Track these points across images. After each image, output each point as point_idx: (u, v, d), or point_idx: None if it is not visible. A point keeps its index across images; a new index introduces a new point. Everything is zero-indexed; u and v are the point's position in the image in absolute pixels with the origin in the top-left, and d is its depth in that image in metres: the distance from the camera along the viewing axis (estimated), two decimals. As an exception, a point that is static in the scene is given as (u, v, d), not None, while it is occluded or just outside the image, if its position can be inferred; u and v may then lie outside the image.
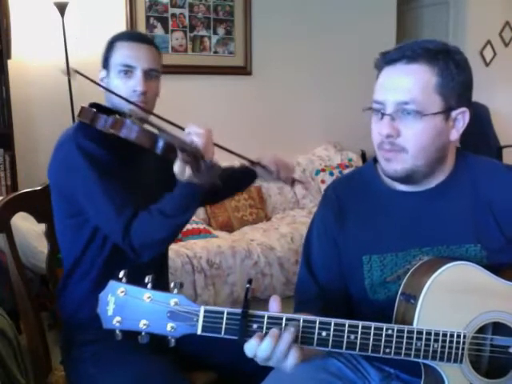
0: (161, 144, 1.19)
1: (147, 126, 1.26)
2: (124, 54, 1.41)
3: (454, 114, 1.10)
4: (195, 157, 1.18)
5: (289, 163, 1.66)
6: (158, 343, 0.95)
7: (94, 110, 1.28)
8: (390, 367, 1.23)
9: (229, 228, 3.46)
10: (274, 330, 0.92)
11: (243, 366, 1.34)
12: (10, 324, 1.51)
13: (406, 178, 1.12)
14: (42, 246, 2.29)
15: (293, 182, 1.68)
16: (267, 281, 3.07)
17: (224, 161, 1.46)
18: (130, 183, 1.35)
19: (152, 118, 1.37)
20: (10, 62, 2.98)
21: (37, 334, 1.45)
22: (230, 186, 1.68)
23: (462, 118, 1.11)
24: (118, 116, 1.24)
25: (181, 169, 1.21)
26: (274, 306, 0.96)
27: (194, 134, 1.22)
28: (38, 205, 1.52)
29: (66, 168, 1.35)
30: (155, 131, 1.24)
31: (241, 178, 1.74)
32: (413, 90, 1.05)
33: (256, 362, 1.00)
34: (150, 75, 1.42)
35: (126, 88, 1.39)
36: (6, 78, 2.93)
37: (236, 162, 1.70)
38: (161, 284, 0.95)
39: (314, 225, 1.29)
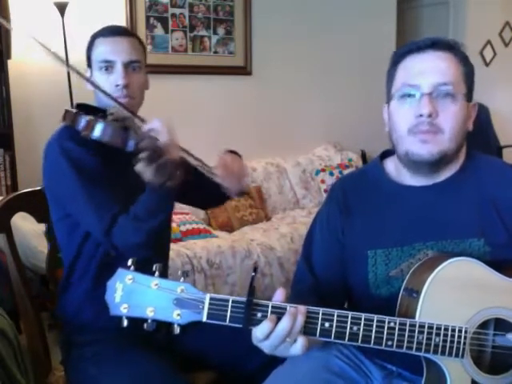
0: (131, 143, 1.19)
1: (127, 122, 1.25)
2: (102, 49, 1.40)
3: (470, 106, 1.16)
4: (155, 155, 1.16)
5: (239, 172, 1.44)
6: (158, 343, 0.95)
7: (74, 111, 1.27)
8: (393, 365, 1.23)
9: (229, 228, 3.46)
10: (292, 309, 0.95)
11: (243, 366, 1.34)
12: (10, 324, 1.51)
13: (438, 162, 1.14)
14: (42, 246, 2.30)
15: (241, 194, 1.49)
16: (267, 281, 3.07)
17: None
18: (115, 184, 1.33)
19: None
20: (10, 62, 2.98)
21: (37, 334, 1.46)
22: (201, 195, 1.57)
23: (473, 110, 1.18)
24: (91, 118, 1.22)
25: (143, 169, 1.18)
26: (279, 297, 0.98)
27: (155, 131, 1.19)
28: (38, 205, 1.52)
29: (53, 171, 1.36)
30: (131, 129, 1.23)
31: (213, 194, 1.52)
32: (449, 72, 1.11)
33: (256, 362, 1.00)
34: (132, 67, 1.40)
35: (109, 84, 1.38)
36: (5, 78, 2.93)
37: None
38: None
39: (317, 218, 1.30)
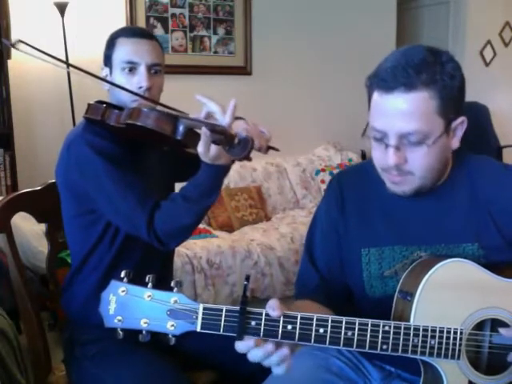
0: (181, 128, 1.19)
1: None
2: (127, 50, 1.39)
3: (454, 125, 1.09)
4: (225, 134, 1.17)
5: (263, 131, 1.44)
6: (159, 343, 0.95)
7: (104, 105, 1.27)
8: (391, 366, 1.23)
9: (229, 228, 3.46)
10: (270, 347, 0.93)
11: (243, 366, 1.34)
12: (10, 324, 1.51)
13: (416, 194, 1.13)
14: (42, 246, 2.30)
15: (267, 150, 1.49)
16: (267, 281, 3.06)
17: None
18: (144, 176, 1.35)
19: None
20: (10, 62, 2.98)
21: (37, 334, 1.45)
22: None
23: (461, 126, 1.11)
24: (132, 107, 1.23)
25: (205, 149, 1.21)
26: (274, 313, 0.95)
27: (216, 113, 1.22)
28: (38, 205, 1.52)
29: (78, 167, 1.34)
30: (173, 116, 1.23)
31: None
32: (415, 120, 1.02)
33: (256, 362, 1.00)
34: (154, 70, 1.41)
35: (131, 85, 1.37)
36: (5, 78, 2.93)
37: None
38: (166, 279, 0.95)
39: (317, 215, 1.30)
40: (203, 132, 1.19)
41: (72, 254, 1.48)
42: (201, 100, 1.29)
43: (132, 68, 1.38)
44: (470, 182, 1.17)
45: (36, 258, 2.48)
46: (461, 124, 1.10)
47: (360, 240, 1.19)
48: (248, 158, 1.23)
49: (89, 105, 1.32)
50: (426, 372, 1.07)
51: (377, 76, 1.06)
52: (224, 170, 1.27)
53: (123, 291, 0.94)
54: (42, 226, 1.59)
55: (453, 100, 1.06)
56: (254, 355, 0.94)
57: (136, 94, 1.34)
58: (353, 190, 1.25)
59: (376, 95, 1.06)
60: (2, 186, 2.99)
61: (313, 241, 1.27)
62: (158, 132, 1.20)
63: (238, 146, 1.18)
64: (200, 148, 1.21)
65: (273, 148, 1.43)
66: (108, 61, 1.43)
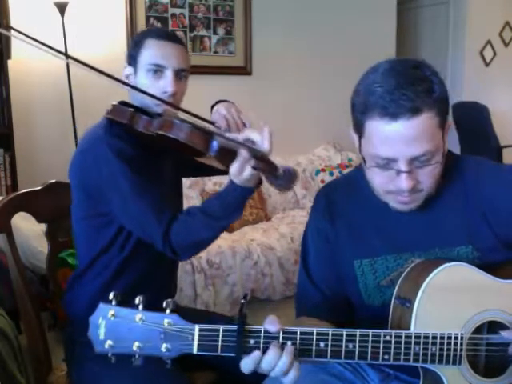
0: (215, 145, 1.16)
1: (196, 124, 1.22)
2: (154, 53, 1.36)
3: (444, 131, 1.09)
4: (267, 162, 1.16)
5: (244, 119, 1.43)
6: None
7: (132, 109, 1.25)
8: (390, 368, 1.23)
9: (229, 228, 3.46)
10: (276, 343, 0.92)
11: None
12: (9, 324, 1.51)
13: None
14: (42, 246, 2.29)
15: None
16: (267, 281, 3.07)
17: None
18: (160, 183, 1.34)
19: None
20: (10, 62, 2.98)
21: (37, 334, 1.46)
22: None
23: (448, 129, 1.10)
24: (164, 116, 1.21)
25: (239, 171, 1.19)
26: (273, 328, 0.94)
27: (253, 140, 1.20)
28: (38, 205, 1.52)
29: (98, 169, 1.31)
30: (206, 130, 1.21)
31: None
32: (424, 142, 1.01)
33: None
34: (180, 75, 1.39)
35: (156, 88, 1.35)
36: (5, 78, 2.93)
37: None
38: (171, 285, 0.93)
39: (308, 230, 1.28)
40: (242, 155, 1.17)
41: (79, 256, 1.47)
42: (246, 123, 1.33)
43: (158, 71, 1.36)
44: (461, 183, 1.15)
45: (36, 258, 2.48)
46: (449, 127, 1.10)
47: (352, 252, 1.18)
48: (290, 189, 1.23)
49: (113, 106, 1.28)
50: (425, 378, 1.06)
51: (373, 104, 1.01)
52: (251, 192, 1.26)
53: (112, 315, 0.89)
54: (42, 226, 1.59)
55: (446, 108, 1.06)
56: (268, 360, 0.91)
57: (158, 98, 1.31)
58: (341, 203, 1.23)
59: (375, 123, 1.02)
60: (2, 186, 2.99)
61: (307, 257, 1.26)
62: (190, 146, 1.17)
63: (282, 178, 1.18)
64: (234, 169, 1.19)
65: None
66: (133, 61, 1.39)
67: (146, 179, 1.30)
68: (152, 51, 1.37)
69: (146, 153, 1.33)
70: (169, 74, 1.36)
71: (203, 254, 2.89)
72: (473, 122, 4.62)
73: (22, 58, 3.12)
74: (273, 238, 3.22)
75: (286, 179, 1.21)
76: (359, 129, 1.09)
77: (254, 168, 1.17)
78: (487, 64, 5.26)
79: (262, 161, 1.16)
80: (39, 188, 1.54)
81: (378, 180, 1.09)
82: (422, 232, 1.15)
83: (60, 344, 1.50)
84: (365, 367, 1.24)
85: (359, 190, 1.20)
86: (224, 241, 3.10)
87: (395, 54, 4.50)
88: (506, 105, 5.24)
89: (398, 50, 4.69)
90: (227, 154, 1.19)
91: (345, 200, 1.23)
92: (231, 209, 1.27)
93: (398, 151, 1.01)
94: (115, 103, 1.29)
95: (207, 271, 2.88)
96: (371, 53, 4.33)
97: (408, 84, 0.99)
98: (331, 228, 1.21)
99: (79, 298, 1.44)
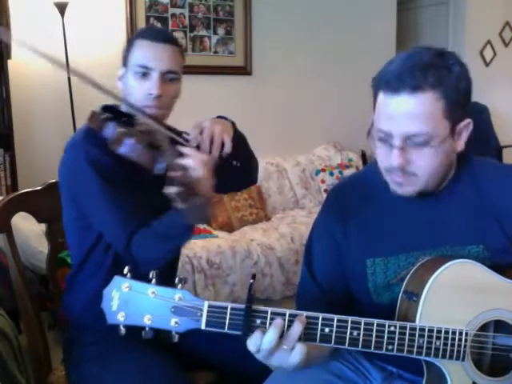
0: (159, 167, 1.16)
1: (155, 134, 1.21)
2: (142, 53, 1.34)
3: (458, 128, 1.08)
4: (187, 190, 1.12)
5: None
6: (160, 343, 0.95)
7: (104, 116, 1.23)
8: (393, 366, 1.23)
9: (229, 228, 3.46)
10: (279, 320, 0.93)
11: (244, 366, 1.34)
12: (10, 324, 1.51)
13: (419, 195, 1.12)
14: (42, 246, 2.29)
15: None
16: (267, 281, 3.07)
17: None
18: (137, 195, 1.31)
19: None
20: (10, 62, 2.98)
21: (37, 334, 1.46)
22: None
23: (466, 129, 1.10)
24: (121, 130, 1.19)
25: (171, 196, 1.14)
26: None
27: (191, 166, 1.15)
28: (38, 205, 1.52)
29: (73, 174, 1.33)
30: (160, 147, 1.18)
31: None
32: (420, 121, 1.02)
33: (257, 362, 0.99)
34: (169, 77, 1.36)
35: (142, 90, 1.33)
36: (6, 78, 2.93)
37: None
38: (172, 278, 0.94)
39: (315, 228, 1.29)
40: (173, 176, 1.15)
41: (72, 257, 1.47)
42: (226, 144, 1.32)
43: (145, 73, 1.33)
44: (474, 184, 1.16)
45: (36, 258, 2.48)
46: (466, 126, 1.10)
47: (365, 251, 1.18)
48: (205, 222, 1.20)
49: (91, 112, 1.27)
50: (428, 372, 1.07)
51: (382, 78, 1.06)
52: (192, 224, 1.23)
53: (127, 287, 0.93)
54: (42, 226, 1.59)
55: (459, 102, 1.05)
56: (267, 341, 0.92)
57: (133, 107, 1.30)
58: (352, 202, 1.23)
59: (381, 97, 1.06)
60: (2, 186, 2.99)
61: (311, 255, 1.26)
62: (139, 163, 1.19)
63: (191, 207, 1.12)
64: (167, 190, 1.13)
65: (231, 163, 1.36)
66: (125, 61, 1.38)
67: (118, 190, 1.29)
68: (140, 52, 1.35)
69: (124, 161, 1.27)
70: (154, 76, 1.33)
71: (203, 254, 2.90)
72: (473, 121, 4.61)
73: (22, 58, 3.12)
74: (273, 238, 3.22)
75: (193, 211, 1.14)
76: (374, 102, 1.11)
77: (176, 195, 1.12)
78: (487, 64, 5.26)
79: (185, 185, 1.12)
80: (39, 188, 1.54)
81: (379, 155, 1.11)
82: (434, 229, 1.15)
83: (60, 344, 1.50)
84: (367, 366, 1.24)
85: (371, 188, 1.21)
86: (224, 241, 3.10)
87: (395, 54, 4.50)
88: (506, 105, 5.23)
89: (398, 50, 4.69)
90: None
91: (356, 199, 1.23)
92: (173, 234, 1.24)
93: (394, 126, 1.04)
94: (94, 110, 1.27)
95: (207, 271, 2.88)
96: (371, 53, 4.34)
97: (421, 66, 1.02)
98: (343, 229, 1.21)
99: (76, 298, 1.44)
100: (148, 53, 1.34)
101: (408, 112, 1.02)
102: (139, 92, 1.34)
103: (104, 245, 1.38)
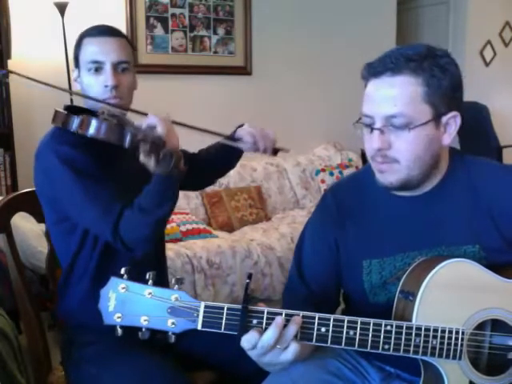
0: (128, 138, 1.21)
1: (117, 121, 1.26)
2: (91, 50, 1.38)
3: (444, 119, 1.09)
4: (156, 146, 1.18)
5: (269, 133, 1.54)
6: (158, 344, 0.95)
7: (65, 112, 1.27)
8: (391, 367, 1.23)
9: (229, 228, 3.46)
10: (280, 319, 0.94)
11: (243, 366, 1.34)
12: (10, 324, 1.51)
13: (401, 188, 1.12)
14: (42, 246, 2.29)
15: (275, 152, 1.54)
16: (267, 281, 3.06)
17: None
18: (112, 181, 1.33)
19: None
20: (10, 62, 2.98)
21: (37, 334, 1.46)
22: (215, 167, 1.68)
23: (453, 122, 1.10)
24: (84, 116, 1.24)
25: (145, 160, 1.21)
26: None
27: (153, 123, 1.21)
28: (38, 205, 1.51)
29: (47, 176, 1.34)
30: (125, 125, 1.24)
31: (225, 157, 1.67)
32: (399, 103, 1.04)
33: (255, 362, 1.00)
34: (121, 68, 1.39)
35: (98, 84, 1.37)
36: (5, 78, 2.93)
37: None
38: (161, 277, 0.95)
39: (308, 228, 1.29)
40: (140, 141, 1.20)
41: (60, 260, 1.47)
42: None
43: (97, 68, 1.37)
44: (470, 183, 1.16)
45: (36, 257, 2.48)
46: (453, 119, 1.10)
47: (361, 252, 1.18)
48: (181, 172, 1.24)
49: (55, 112, 1.31)
50: (426, 372, 1.07)
51: (369, 64, 1.09)
52: (171, 181, 1.25)
53: (123, 288, 0.93)
54: (42, 226, 1.59)
55: (442, 92, 1.06)
56: (267, 338, 0.93)
57: (100, 101, 1.35)
58: (348, 203, 1.23)
59: (366, 82, 1.10)
60: (2, 186, 2.99)
61: (302, 255, 1.27)
62: (108, 142, 1.22)
63: (163, 161, 1.20)
64: (140, 158, 1.21)
65: (281, 149, 1.49)
66: (76, 62, 1.42)
67: (94, 180, 1.30)
68: (89, 49, 1.38)
69: (96, 153, 1.32)
70: (107, 68, 1.37)
71: (203, 254, 2.90)
72: (473, 121, 4.61)
73: (22, 58, 3.12)
74: (273, 238, 3.22)
75: (167, 163, 1.20)
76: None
77: (145, 152, 1.19)
78: (487, 64, 5.26)
79: (151, 144, 1.18)
80: (39, 188, 1.54)
81: (366, 144, 1.13)
82: (430, 229, 1.15)
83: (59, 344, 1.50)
84: (365, 366, 1.24)
85: (368, 189, 1.21)
86: (224, 241, 3.10)
87: (395, 54, 4.51)
88: (506, 105, 5.24)
89: (398, 50, 4.69)
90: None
91: (354, 200, 1.23)
92: (159, 200, 1.25)
93: (375, 108, 1.07)
94: (57, 109, 1.31)
95: (207, 271, 2.88)
96: (371, 53, 4.33)
97: (408, 54, 1.05)
98: (339, 230, 1.21)
99: (70, 300, 1.44)
100: (97, 48, 1.38)
101: (388, 94, 1.05)
102: (96, 86, 1.37)
103: (89, 246, 1.38)
